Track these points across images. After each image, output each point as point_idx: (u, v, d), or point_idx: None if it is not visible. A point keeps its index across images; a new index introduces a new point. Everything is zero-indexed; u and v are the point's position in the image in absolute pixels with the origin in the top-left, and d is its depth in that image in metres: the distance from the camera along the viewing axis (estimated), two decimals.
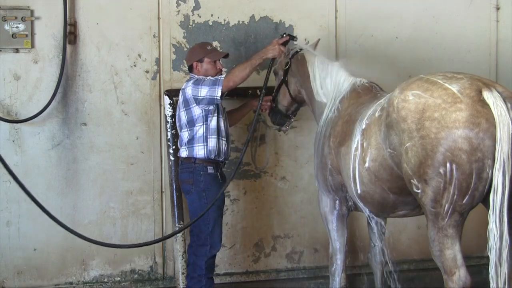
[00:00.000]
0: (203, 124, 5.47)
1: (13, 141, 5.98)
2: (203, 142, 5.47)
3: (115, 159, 6.18)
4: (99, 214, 6.18)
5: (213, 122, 5.50)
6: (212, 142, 5.48)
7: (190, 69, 5.66)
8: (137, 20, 6.20)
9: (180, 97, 5.55)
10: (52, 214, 5.90)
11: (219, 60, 5.66)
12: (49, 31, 6.00)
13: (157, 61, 6.24)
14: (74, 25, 6.03)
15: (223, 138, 5.57)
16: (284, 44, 5.49)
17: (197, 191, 5.47)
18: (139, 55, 6.21)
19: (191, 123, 5.49)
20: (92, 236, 6.06)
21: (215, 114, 5.51)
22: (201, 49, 5.62)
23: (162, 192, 6.27)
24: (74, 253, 6.10)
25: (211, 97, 5.37)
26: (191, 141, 5.50)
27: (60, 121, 6.07)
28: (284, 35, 5.53)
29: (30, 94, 5.99)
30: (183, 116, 5.52)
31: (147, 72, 6.23)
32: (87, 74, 6.11)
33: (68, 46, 5.98)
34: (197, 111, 5.46)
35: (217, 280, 5.91)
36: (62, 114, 6.07)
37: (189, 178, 5.51)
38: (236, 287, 6.40)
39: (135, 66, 6.20)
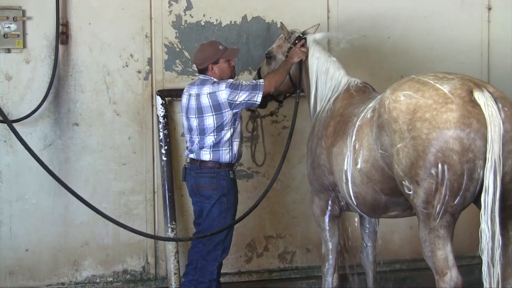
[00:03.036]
0: (230, 128, 5.40)
1: (4, 141, 5.95)
2: (229, 146, 5.42)
3: (107, 159, 6.16)
4: (91, 214, 6.07)
5: (238, 126, 5.49)
6: (237, 145, 5.47)
7: (203, 71, 5.52)
8: (129, 20, 6.18)
9: (207, 101, 5.35)
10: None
11: None
12: (41, 31, 5.97)
13: (149, 61, 6.23)
14: (66, 25, 6.01)
15: (242, 141, 5.59)
16: (303, 45, 5.59)
17: (218, 196, 5.42)
18: (131, 55, 6.19)
19: (220, 127, 5.38)
20: (84, 237, 6.11)
21: (239, 117, 5.49)
22: (213, 50, 5.49)
23: (154, 192, 6.26)
24: (66, 253, 6.08)
25: (250, 101, 5.36)
26: (217, 145, 5.41)
27: (52, 122, 6.04)
28: (297, 42, 5.61)
29: (21, 94, 5.96)
30: (210, 120, 5.37)
31: (139, 72, 6.22)
32: (79, 74, 6.08)
33: (60, 46, 5.96)
34: (228, 115, 5.37)
35: None
36: (54, 115, 6.05)
37: (211, 183, 5.44)
38: (229, 287, 6.38)
39: (127, 66, 6.19)
